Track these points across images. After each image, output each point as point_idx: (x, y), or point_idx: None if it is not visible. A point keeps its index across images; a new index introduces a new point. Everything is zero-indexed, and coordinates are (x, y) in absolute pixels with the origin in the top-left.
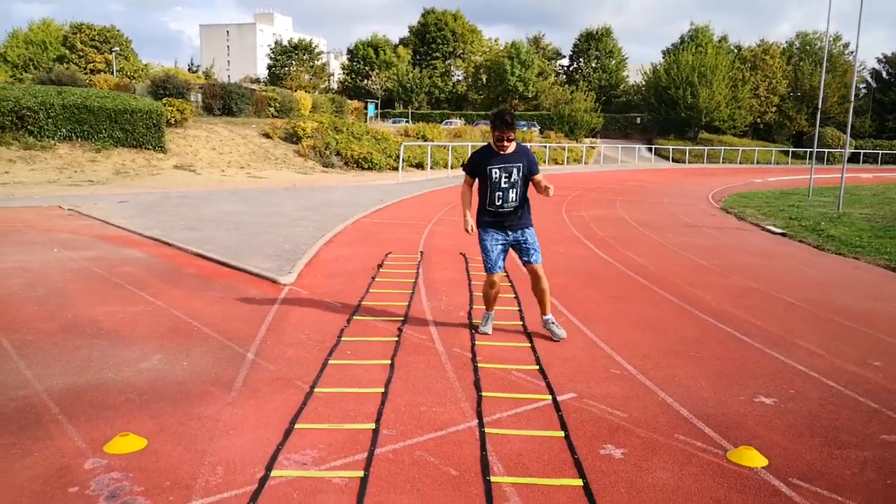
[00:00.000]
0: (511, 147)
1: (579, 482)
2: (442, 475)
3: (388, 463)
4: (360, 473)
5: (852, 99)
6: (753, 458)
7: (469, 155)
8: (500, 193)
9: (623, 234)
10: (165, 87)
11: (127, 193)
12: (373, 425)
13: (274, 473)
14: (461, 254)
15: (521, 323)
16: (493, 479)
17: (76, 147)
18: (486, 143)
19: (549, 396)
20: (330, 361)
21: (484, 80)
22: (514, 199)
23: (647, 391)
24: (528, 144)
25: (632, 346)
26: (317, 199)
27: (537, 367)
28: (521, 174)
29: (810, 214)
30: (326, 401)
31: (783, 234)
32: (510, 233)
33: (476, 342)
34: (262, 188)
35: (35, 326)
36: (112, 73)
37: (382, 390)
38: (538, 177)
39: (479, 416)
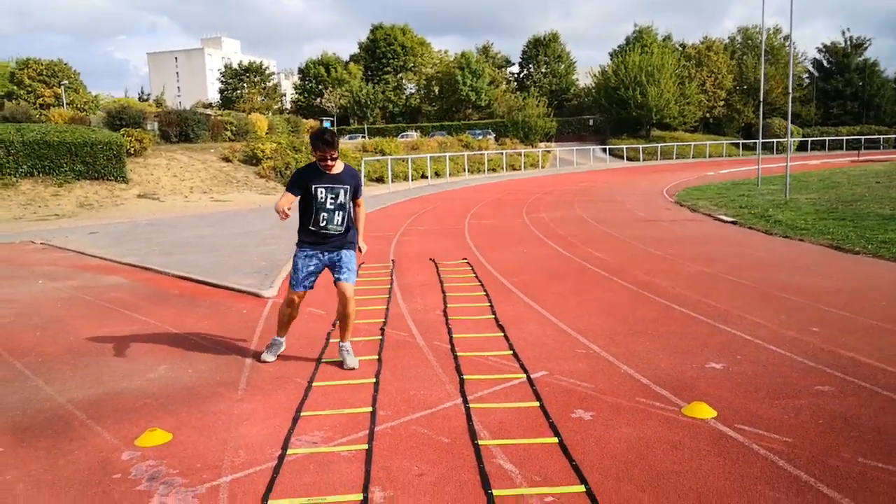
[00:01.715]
0: (338, 167)
1: (555, 440)
2: (436, 443)
3: (387, 437)
4: (365, 446)
5: (790, 90)
6: (704, 411)
7: (293, 173)
8: (326, 214)
9: (582, 232)
10: (121, 118)
11: (95, 225)
12: (370, 408)
13: (290, 452)
14: (431, 259)
15: (493, 316)
16: (480, 442)
17: (38, 182)
18: (311, 162)
19: (524, 375)
20: (323, 360)
21: (436, 91)
22: (339, 221)
23: (610, 365)
24: (485, 153)
25: (595, 330)
26: None
27: (511, 352)
28: (347, 196)
29: (759, 202)
30: (325, 392)
31: (734, 222)
32: (326, 254)
33: (453, 335)
34: (227, 211)
35: (42, 350)
36: (62, 106)
37: (374, 380)
38: (360, 200)
39: (463, 395)
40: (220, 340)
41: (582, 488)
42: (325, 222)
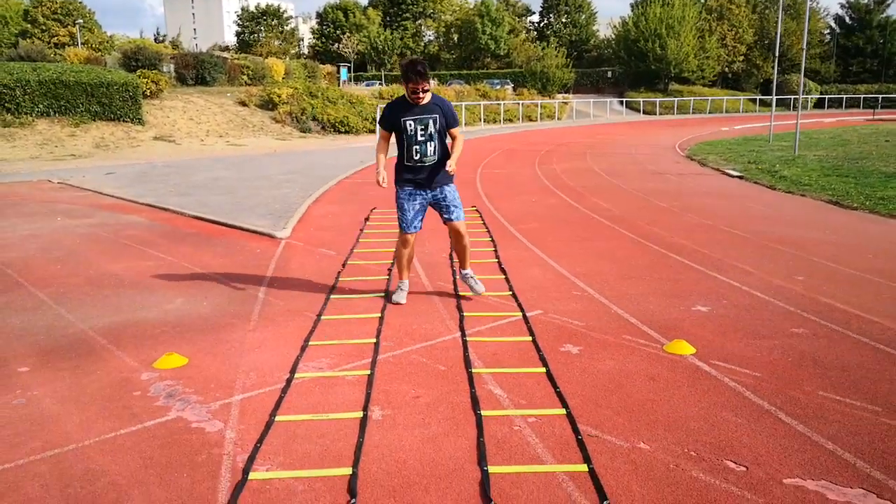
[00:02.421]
0: (426, 98)
1: (543, 370)
2: (433, 370)
3: (388, 364)
4: (367, 372)
5: (805, 47)
6: (684, 348)
7: (383, 108)
8: (418, 147)
9: (592, 183)
10: (137, 59)
11: (111, 165)
12: (374, 339)
13: (297, 376)
14: None
15: (497, 260)
16: (474, 370)
17: (55, 122)
18: (401, 95)
19: (520, 313)
20: (332, 296)
21: (455, 39)
22: (432, 152)
23: (602, 306)
24: (502, 103)
25: (592, 274)
26: (299, 162)
27: (511, 292)
28: (437, 126)
29: (767, 158)
30: (333, 325)
31: (740, 177)
32: (428, 191)
33: (457, 276)
34: (243, 155)
35: (64, 281)
36: (77, 45)
37: (379, 315)
38: (455, 130)
39: (462, 329)
40: (234, 276)
41: (563, 411)
42: (418, 154)
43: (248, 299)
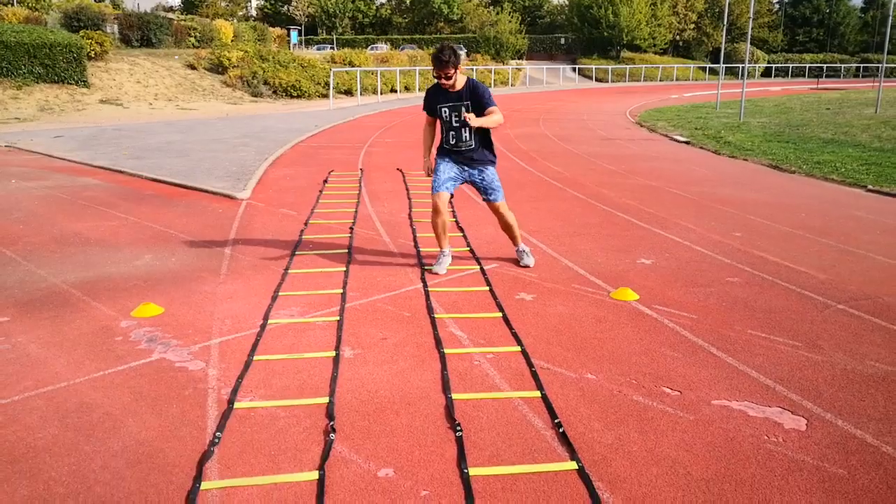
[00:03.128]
0: (460, 83)
1: (499, 314)
2: (398, 316)
3: (356, 312)
4: (337, 318)
5: (751, 16)
6: (628, 295)
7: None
8: (453, 133)
9: (544, 147)
10: (79, 19)
11: (58, 129)
12: (341, 290)
13: (270, 322)
14: (398, 169)
15: (454, 220)
16: (436, 315)
17: None
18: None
19: (478, 266)
20: (297, 253)
21: (408, 3)
22: (467, 138)
23: (553, 260)
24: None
25: (544, 231)
26: (252, 126)
27: (468, 248)
28: (470, 112)
29: (714, 125)
30: (300, 278)
31: (687, 143)
32: (465, 168)
33: (417, 234)
34: (194, 119)
35: (29, 240)
36: (13, 4)
37: (344, 269)
38: (491, 108)
39: (423, 281)
40: (198, 234)
41: (518, 348)
42: (454, 140)
43: (215, 255)
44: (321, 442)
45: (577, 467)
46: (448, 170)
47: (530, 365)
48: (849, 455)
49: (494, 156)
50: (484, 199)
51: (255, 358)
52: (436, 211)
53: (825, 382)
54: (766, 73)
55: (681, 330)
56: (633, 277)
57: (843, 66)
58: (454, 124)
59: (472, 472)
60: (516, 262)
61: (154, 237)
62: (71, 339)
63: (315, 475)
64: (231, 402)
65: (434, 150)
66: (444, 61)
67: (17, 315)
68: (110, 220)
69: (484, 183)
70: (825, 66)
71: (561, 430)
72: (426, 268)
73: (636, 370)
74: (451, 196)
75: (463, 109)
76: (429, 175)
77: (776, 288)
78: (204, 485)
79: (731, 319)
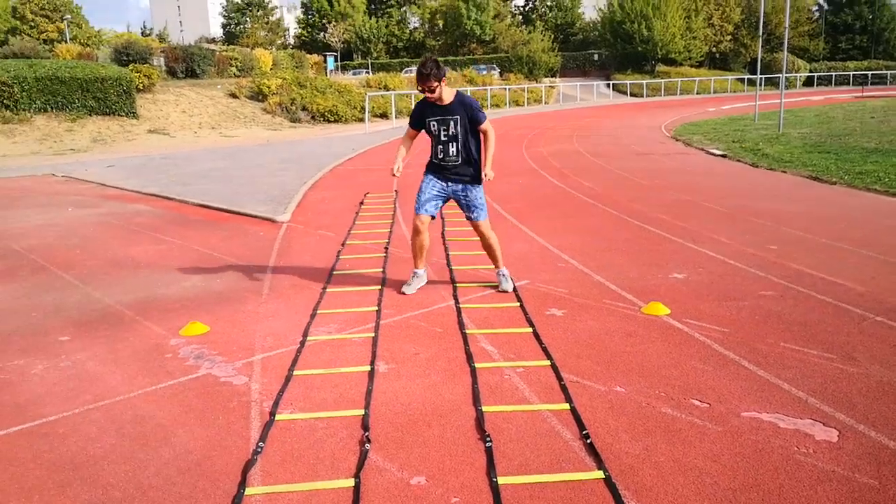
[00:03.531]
0: (448, 96)
1: (529, 329)
2: (431, 332)
3: (390, 328)
4: (372, 334)
5: (787, 25)
6: (659, 309)
7: (414, 106)
8: (441, 147)
9: (577, 164)
10: (128, 54)
11: (110, 159)
12: (376, 308)
13: (310, 338)
14: None
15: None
16: (467, 331)
17: (52, 118)
18: None
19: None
20: (334, 272)
21: (441, 25)
22: (454, 152)
23: (585, 275)
24: (489, 88)
25: (576, 248)
26: (292, 152)
27: (494, 266)
28: (460, 126)
29: (752, 137)
30: (337, 297)
31: (724, 156)
32: (450, 184)
33: (449, 252)
34: (236, 146)
35: (85, 264)
36: (65, 41)
37: (379, 287)
38: (484, 125)
39: (455, 298)
40: (241, 256)
41: (548, 362)
42: (442, 154)
43: (257, 276)
44: (357, 451)
45: (603, 476)
46: (431, 188)
47: (559, 378)
48: (881, 466)
49: (481, 172)
50: (466, 217)
51: (295, 373)
52: (416, 232)
53: (859, 394)
54: (808, 82)
55: (712, 343)
56: (664, 292)
57: (889, 72)
58: (442, 138)
59: (501, 480)
60: (547, 278)
61: (200, 260)
62: (125, 357)
63: (351, 482)
64: (272, 414)
65: (400, 163)
66: (425, 74)
67: (75, 334)
68: (159, 245)
69: (467, 200)
70: (870, 73)
71: (588, 441)
72: (402, 287)
73: (665, 383)
74: (433, 218)
75: (452, 123)
76: (393, 174)
77: (811, 300)
78: (248, 490)
79: (763, 332)
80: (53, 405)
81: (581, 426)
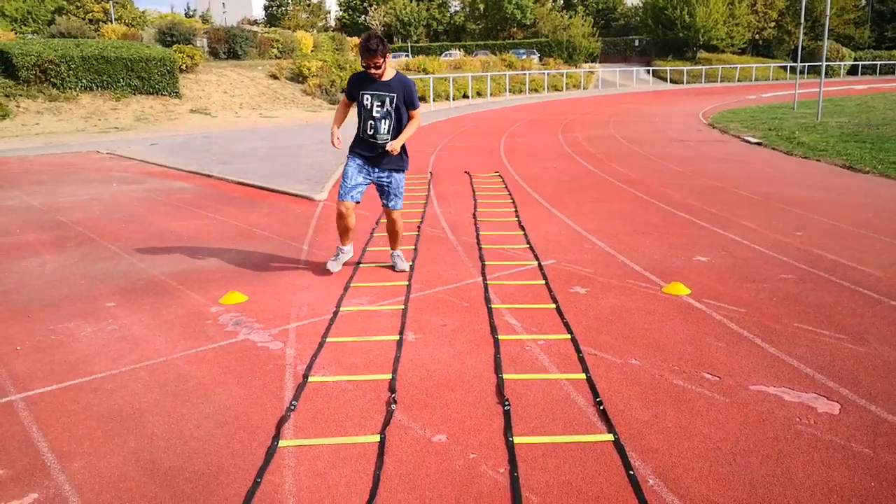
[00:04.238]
0: (388, 74)
1: (553, 306)
2: (458, 305)
3: (420, 301)
4: (402, 307)
5: (828, 13)
6: (680, 289)
7: (349, 77)
8: (372, 122)
9: (612, 150)
10: (172, 35)
11: (153, 137)
12: (406, 282)
13: (342, 309)
14: (466, 172)
15: (517, 218)
16: (493, 305)
17: (97, 97)
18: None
19: (536, 262)
20: (367, 248)
21: (481, 9)
22: (385, 130)
23: (610, 257)
24: (528, 73)
25: (604, 230)
26: (330, 133)
27: (528, 245)
28: (394, 104)
29: (789, 125)
30: (370, 271)
31: (759, 144)
32: (375, 169)
33: (480, 232)
34: (276, 126)
35: (130, 236)
36: (111, 21)
37: (410, 263)
38: (414, 112)
39: (483, 275)
40: (279, 232)
41: (568, 336)
42: (372, 130)
43: (294, 250)
44: (383, 411)
45: (613, 439)
46: (356, 175)
47: (578, 351)
48: (877, 437)
49: (407, 158)
50: (383, 203)
51: (328, 340)
52: (340, 216)
53: (865, 372)
54: (853, 70)
55: (728, 322)
56: (687, 273)
57: None
58: (374, 114)
59: (517, 440)
60: (574, 258)
61: (239, 234)
62: (168, 322)
63: (377, 438)
64: (306, 376)
65: (338, 131)
66: (373, 50)
67: (121, 301)
68: (200, 220)
69: (390, 187)
70: None
71: (602, 408)
72: (327, 263)
73: (679, 357)
74: (357, 203)
75: (388, 100)
76: (335, 145)
77: (830, 284)
78: (281, 443)
79: (778, 313)
80: (102, 364)
81: (595, 394)
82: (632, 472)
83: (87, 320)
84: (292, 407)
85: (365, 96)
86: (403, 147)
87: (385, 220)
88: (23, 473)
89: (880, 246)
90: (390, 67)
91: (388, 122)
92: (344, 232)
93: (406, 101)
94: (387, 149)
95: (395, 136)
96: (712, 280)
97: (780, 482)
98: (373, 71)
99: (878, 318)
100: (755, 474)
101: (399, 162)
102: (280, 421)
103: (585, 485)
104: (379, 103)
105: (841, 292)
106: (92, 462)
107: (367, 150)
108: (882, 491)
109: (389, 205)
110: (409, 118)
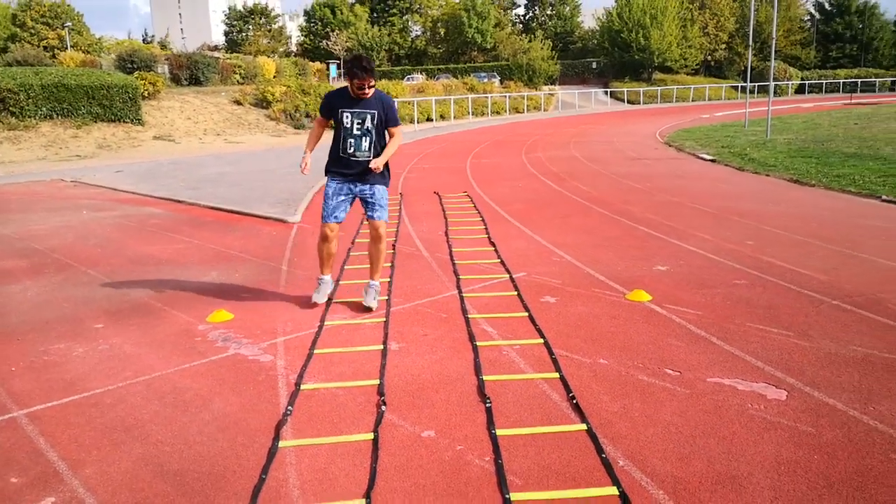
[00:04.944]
0: (369, 93)
1: (526, 314)
2: (437, 317)
3: (400, 314)
4: (384, 319)
5: (774, 36)
6: (642, 296)
7: (324, 96)
8: (353, 141)
9: (574, 169)
10: (132, 61)
11: (118, 164)
12: (386, 297)
13: (327, 323)
14: (435, 192)
15: (487, 235)
16: (470, 316)
17: (58, 125)
18: (344, 86)
19: (507, 275)
20: (345, 267)
21: (442, 33)
22: (366, 147)
23: (576, 268)
24: (489, 96)
25: (570, 244)
26: (298, 157)
27: (499, 260)
28: (374, 122)
29: (740, 143)
30: (350, 288)
31: (713, 160)
32: (357, 184)
33: (452, 249)
34: (242, 152)
35: (108, 261)
36: (66, 48)
37: (389, 279)
38: (394, 129)
39: (459, 288)
40: (257, 254)
41: (541, 341)
42: (352, 149)
43: (274, 270)
44: (374, 412)
45: (586, 428)
46: (337, 195)
47: (551, 353)
48: (819, 417)
49: (389, 174)
50: (368, 217)
51: (316, 351)
52: (324, 238)
53: (809, 364)
54: (800, 89)
55: (686, 324)
56: (648, 282)
57: (877, 80)
58: (355, 132)
59: (499, 432)
60: (543, 271)
61: (217, 257)
62: (158, 340)
63: (370, 435)
64: (298, 384)
65: (309, 156)
66: (368, 69)
67: (108, 322)
68: (177, 244)
69: (374, 199)
70: (860, 81)
71: (574, 402)
72: (313, 296)
73: (643, 356)
74: (339, 223)
75: (369, 118)
76: (303, 171)
77: (778, 288)
78: (281, 443)
79: (732, 314)
80: (98, 380)
81: (568, 390)
82: (604, 456)
83: (77, 341)
84: (288, 412)
85: (344, 114)
86: (386, 163)
87: (368, 240)
88: (37, 480)
89: (824, 252)
90: None
91: (367, 139)
92: (326, 258)
93: (386, 118)
94: (370, 167)
95: (376, 153)
96: (671, 287)
97: (735, 458)
98: (366, 91)
99: (820, 316)
100: (713, 452)
101: (381, 177)
102: (278, 424)
103: (563, 467)
104: (359, 121)
105: (788, 294)
106: (103, 468)
107: (345, 167)
108: (823, 462)
109: (375, 216)
110: (390, 135)
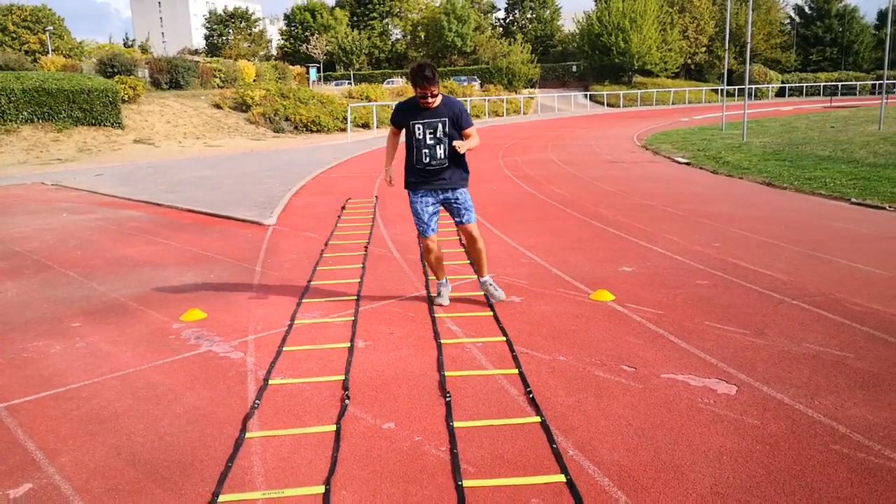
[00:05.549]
0: (437, 101)
1: (490, 313)
2: (404, 316)
3: (369, 313)
4: (352, 318)
5: (749, 39)
6: (605, 296)
7: (394, 108)
8: (427, 151)
9: (549, 172)
10: (113, 65)
11: (98, 168)
12: (356, 297)
13: (296, 322)
14: None
15: (458, 238)
16: (436, 315)
17: (38, 129)
18: (412, 96)
19: (475, 276)
20: (318, 268)
21: (422, 37)
22: (442, 155)
23: (544, 269)
24: (469, 99)
25: (540, 247)
26: (276, 161)
27: (468, 261)
28: (447, 129)
29: (716, 146)
30: (321, 288)
31: (688, 164)
32: (440, 192)
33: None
34: (221, 155)
35: (87, 263)
36: (47, 53)
37: (359, 280)
38: (469, 130)
39: (427, 288)
40: (232, 255)
41: (503, 338)
42: (427, 158)
43: (248, 272)
44: (338, 406)
45: (540, 420)
46: (426, 207)
47: (512, 350)
48: (766, 411)
49: (468, 173)
50: (457, 222)
51: (285, 349)
52: (428, 251)
53: (761, 360)
54: (781, 92)
55: (646, 322)
56: (613, 282)
57: (858, 83)
58: (428, 142)
59: (457, 424)
60: (511, 272)
61: (194, 258)
62: (133, 338)
63: (333, 427)
64: (266, 380)
65: (391, 170)
66: (429, 78)
67: (86, 321)
68: (155, 246)
69: (458, 203)
70: (840, 84)
71: (531, 396)
72: (435, 301)
73: (601, 353)
74: (436, 232)
75: (440, 126)
76: (389, 184)
77: (740, 288)
78: (248, 435)
79: (692, 314)
80: (75, 376)
81: (526, 385)
82: (555, 446)
83: (55, 339)
84: (255, 405)
85: (416, 126)
86: (464, 163)
87: (462, 239)
88: (15, 468)
89: (788, 254)
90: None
91: (442, 146)
92: (437, 266)
93: (457, 123)
94: (454, 144)
95: (451, 159)
96: (635, 287)
97: (680, 448)
98: (430, 100)
99: (778, 315)
100: (660, 443)
101: (462, 180)
102: (245, 417)
103: (515, 457)
104: (431, 131)
105: (749, 294)
106: (78, 457)
107: (426, 176)
108: (764, 451)
109: (463, 220)
110: (467, 136)
